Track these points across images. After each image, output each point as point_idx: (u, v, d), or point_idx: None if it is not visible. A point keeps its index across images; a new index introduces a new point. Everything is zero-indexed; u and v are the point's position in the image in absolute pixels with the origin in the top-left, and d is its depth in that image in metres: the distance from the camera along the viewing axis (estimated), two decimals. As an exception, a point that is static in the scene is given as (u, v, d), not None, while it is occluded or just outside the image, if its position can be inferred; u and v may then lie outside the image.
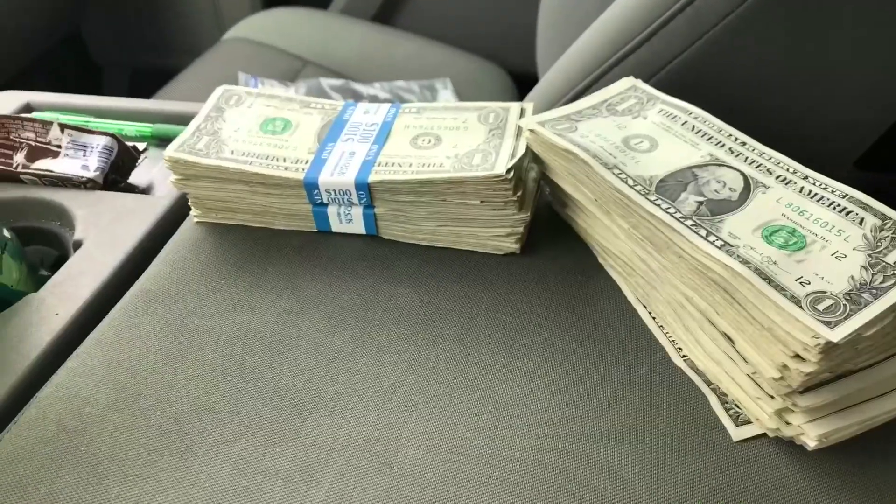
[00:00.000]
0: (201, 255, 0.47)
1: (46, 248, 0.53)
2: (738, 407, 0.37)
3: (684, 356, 0.40)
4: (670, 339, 0.41)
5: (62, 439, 0.37)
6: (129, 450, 0.36)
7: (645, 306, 0.42)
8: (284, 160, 0.46)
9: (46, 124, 0.54)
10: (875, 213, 0.37)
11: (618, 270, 0.44)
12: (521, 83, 1.12)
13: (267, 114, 0.49)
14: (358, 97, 1.02)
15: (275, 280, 0.45)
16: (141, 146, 0.57)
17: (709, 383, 0.38)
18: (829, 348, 0.32)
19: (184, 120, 0.59)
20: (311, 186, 0.45)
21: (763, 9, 0.49)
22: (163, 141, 0.60)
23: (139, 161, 0.56)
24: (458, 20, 1.21)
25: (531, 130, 0.44)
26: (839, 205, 0.37)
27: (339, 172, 0.45)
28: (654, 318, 0.42)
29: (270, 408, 0.38)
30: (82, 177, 0.53)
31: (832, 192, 0.38)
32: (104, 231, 0.50)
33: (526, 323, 0.42)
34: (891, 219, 0.36)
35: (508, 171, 0.42)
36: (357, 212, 0.46)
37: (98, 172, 0.53)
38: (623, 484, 0.34)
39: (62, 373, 0.40)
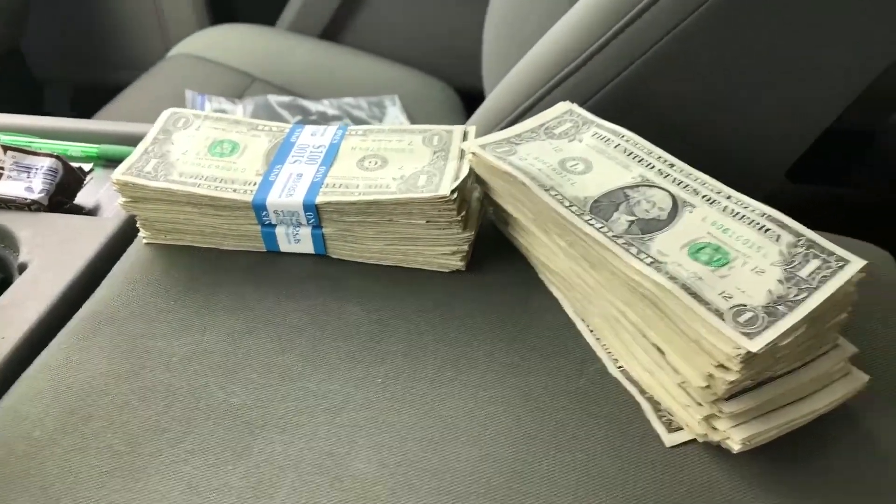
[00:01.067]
0: (151, 276, 0.47)
1: (-10, 271, 0.53)
2: (669, 414, 0.39)
3: (620, 367, 0.42)
4: (607, 350, 0.43)
5: (11, 464, 0.37)
6: (81, 472, 0.37)
7: (583, 320, 0.45)
8: (233, 182, 0.47)
9: (-11, 146, 0.54)
10: (790, 230, 0.39)
11: (557, 286, 0.46)
12: (468, 99, 1.14)
13: (215, 136, 0.50)
14: (306, 113, 1.02)
15: (225, 300, 0.46)
16: (87, 167, 0.57)
17: (643, 392, 0.41)
18: (749, 358, 0.34)
19: (130, 140, 0.59)
20: (259, 208, 0.46)
21: (690, 36, 0.53)
22: (109, 162, 0.60)
23: (85, 182, 0.56)
24: (406, 37, 1.23)
25: (473, 153, 0.46)
26: (758, 223, 0.40)
27: (287, 194, 0.46)
28: (591, 331, 0.44)
29: (222, 427, 0.39)
30: (26, 198, 0.53)
31: (752, 210, 0.41)
32: (50, 253, 0.49)
33: (471, 338, 0.44)
34: (804, 236, 0.39)
35: (452, 192, 0.44)
36: (305, 232, 0.47)
37: (43, 194, 0.53)
38: (563, 490, 0.36)
39: (9, 397, 0.40)
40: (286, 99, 1.05)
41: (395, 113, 1.06)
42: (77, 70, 1.39)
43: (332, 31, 1.24)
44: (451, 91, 1.16)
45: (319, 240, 0.47)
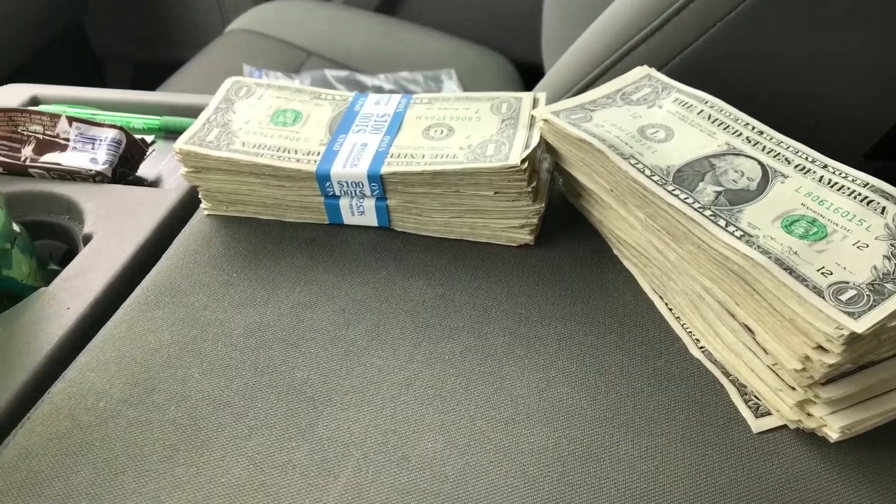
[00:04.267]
0: (212, 248, 0.47)
1: (55, 242, 0.53)
2: (757, 398, 0.37)
3: (702, 347, 0.39)
4: (687, 330, 0.40)
5: (76, 435, 0.37)
6: (145, 445, 0.36)
7: (661, 297, 0.42)
8: (296, 152, 0.45)
9: (54, 117, 0.53)
10: (897, 201, 0.36)
11: (633, 261, 0.44)
12: (526, 73, 1.11)
13: (277, 105, 0.49)
14: (362, 88, 1.01)
15: (287, 273, 0.45)
16: (149, 139, 0.56)
17: (727, 374, 0.38)
18: (852, 339, 0.31)
19: (192, 112, 0.59)
20: (322, 178, 0.45)
21: (777, -4, 0.49)
22: (171, 134, 0.59)
23: (148, 154, 0.56)
24: (462, 10, 1.20)
25: (545, 120, 0.44)
26: (860, 194, 0.37)
27: (351, 164, 0.44)
28: (670, 310, 0.41)
29: (285, 402, 0.38)
30: (91, 170, 0.52)
31: (852, 181, 0.38)
32: (114, 224, 0.49)
33: (541, 315, 0.42)
34: (913, 208, 0.36)
35: (523, 161, 0.42)
36: (369, 204, 0.46)
37: (107, 165, 0.53)
38: (642, 475, 0.34)
39: (74, 368, 0.40)
40: (343, 73, 1.03)
41: (451, 87, 1.04)
42: (137, 47, 1.40)
43: (388, 5, 1.22)
44: (508, 64, 1.13)
45: (384, 212, 0.46)
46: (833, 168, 0.39)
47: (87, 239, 0.49)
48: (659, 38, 0.53)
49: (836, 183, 0.38)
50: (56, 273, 0.46)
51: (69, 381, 0.39)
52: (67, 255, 0.52)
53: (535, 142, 0.44)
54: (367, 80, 1.02)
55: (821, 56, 0.54)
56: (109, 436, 0.37)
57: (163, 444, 0.36)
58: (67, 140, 0.54)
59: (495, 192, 0.43)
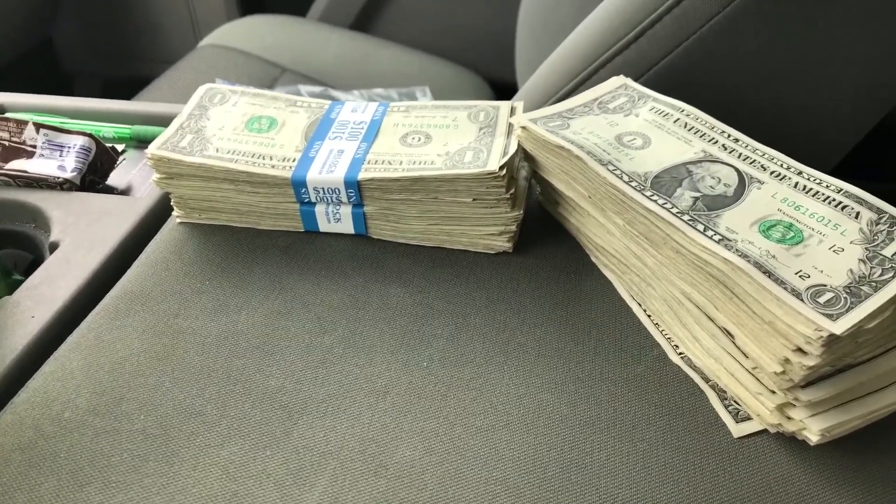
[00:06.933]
0: (184, 255, 0.46)
1: (20, 251, 0.51)
2: (737, 403, 0.37)
3: (681, 353, 0.39)
4: (666, 336, 0.40)
5: (40, 445, 0.35)
6: (112, 455, 0.35)
7: (640, 304, 0.42)
8: (271, 158, 0.45)
9: (21, 123, 0.52)
10: (871, 207, 0.37)
11: (611, 268, 0.44)
12: (500, 91, 1.12)
13: (252, 112, 0.48)
14: (337, 104, 1.01)
15: (261, 281, 0.44)
16: (120, 147, 0.55)
17: (707, 380, 0.38)
18: (831, 341, 0.31)
19: (163, 121, 0.58)
20: (298, 184, 0.44)
21: (749, 10, 0.50)
22: (142, 143, 0.58)
23: (118, 162, 0.55)
24: (436, 28, 1.21)
25: (523, 127, 0.44)
26: (834, 199, 0.37)
27: (327, 170, 0.44)
28: (649, 316, 0.41)
29: (259, 410, 0.37)
30: (58, 177, 0.51)
31: (827, 186, 0.38)
32: (82, 233, 0.48)
33: (520, 321, 0.41)
34: (886, 213, 0.36)
35: (501, 167, 0.42)
36: (346, 211, 0.45)
37: (75, 173, 0.51)
38: (624, 482, 0.34)
39: (39, 377, 0.39)
40: (316, 89, 1.03)
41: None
42: (107, 62, 1.38)
43: (363, 22, 1.22)
44: (482, 82, 1.13)
45: (360, 219, 0.45)
46: (808, 174, 0.39)
47: (54, 247, 0.47)
48: (633, 50, 0.53)
49: (811, 189, 0.38)
50: (20, 283, 0.45)
51: (33, 390, 0.38)
52: (33, 264, 0.51)
53: (513, 149, 0.43)
54: (342, 95, 1.02)
55: (792, 69, 0.55)
56: (75, 446, 0.35)
57: (131, 454, 0.35)
58: (34, 147, 0.52)
59: (473, 199, 0.43)
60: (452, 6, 1.20)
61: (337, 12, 1.21)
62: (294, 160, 0.45)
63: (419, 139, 0.46)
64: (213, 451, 0.35)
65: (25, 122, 0.52)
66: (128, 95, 1.04)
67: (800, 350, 0.32)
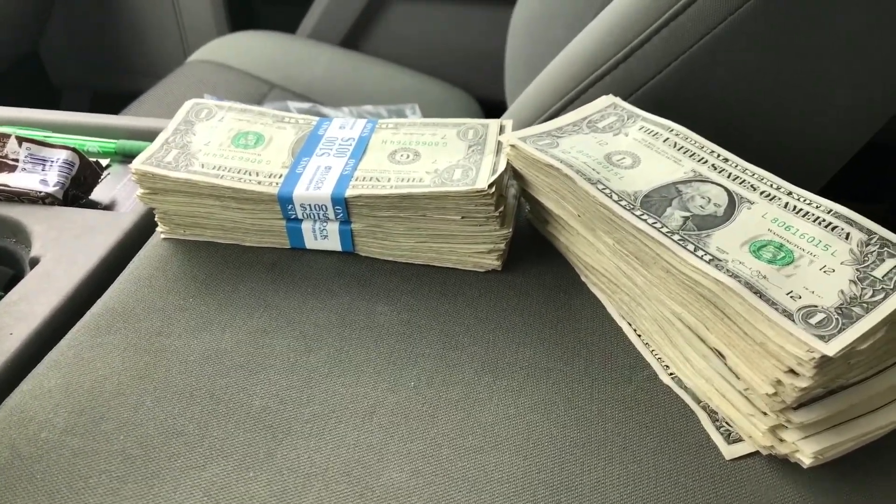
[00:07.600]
0: (168, 272, 0.45)
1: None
2: (728, 424, 0.36)
3: (672, 374, 0.39)
4: (657, 356, 0.40)
5: (16, 466, 0.34)
6: (90, 477, 0.34)
7: (630, 324, 0.42)
8: (257, 174, 0.44)
9: (3, 137, 0.51)
10: (861, 228, 0.36)
11: (601, 287, 0.43)
12: (488, 109, 1.12)
13: (239, 127, 0.48)
14: (326, 121, 1.00)
15: (246, 298, 0.43)
16: (104, 162, 0.54)
17: (698, 401, 0.37)
18: (823, 362, 0.31)
19: (149, 136, 0.57)
20: (285, 201, 0.44)
21: (737, 32, 0.50)
22: (127, 157, 0.57)
23: (102, 177, 0.54)
24: (426, 46, 1.21)
25: (512, 146, 0.44)
26: (824, 220, 0.37)
27: (314, 187, 0.43)
28: (639, 336, 0.41)
29: (243, 431, 0.36)
30: (40, 191, 0.50)
31: (817, 207, 0.38)
32: (63, 248, 0.47)
33: (509, 341, 0.41)
34: (876, 234, 0.36)
35: (490, 185, 0.42)
36: (333, 228, 0.44)
37: (58, 187, 0.51)
38: (615, 506, 0.33)
39: (16, 395, 0.38)
40: (305, 105, 1.03)
41: (415, 121, 1.04)
42: (95, 75, 1.38)
43: (353, 39, 1.22)
44: (471, 100, 1.14)
45: (347, 236, 0.45)
46: (798, 195, 0.39)
47: (35, 262, 0.46)
48: (623, 70, 0.53)
49: (801, 209, 0.38)
50: (-1, 298, 0.44)
51: (10, 409, 0.37)
52: (13, 280, 0.50)
53: (502, 167, 0.43)
54: (331, 112, 1.02)
55: (780, 90, 0.55)
56: (51, 468, 0.34)
57: (109, 475, 0.34)
58: (17, 161, 0.51)
59: (462, 217, 0.43)
60: (442, 24, 1.20)
61: (327, 29, 1.21)
62: (281, 176, 0.44)
63: (408, 156, 0.45)
64: (195, 473, 0.34)
65: (8, 136, 0.51)
66: (116, 109, 1.04)
67: (792, 371, 0.32)
